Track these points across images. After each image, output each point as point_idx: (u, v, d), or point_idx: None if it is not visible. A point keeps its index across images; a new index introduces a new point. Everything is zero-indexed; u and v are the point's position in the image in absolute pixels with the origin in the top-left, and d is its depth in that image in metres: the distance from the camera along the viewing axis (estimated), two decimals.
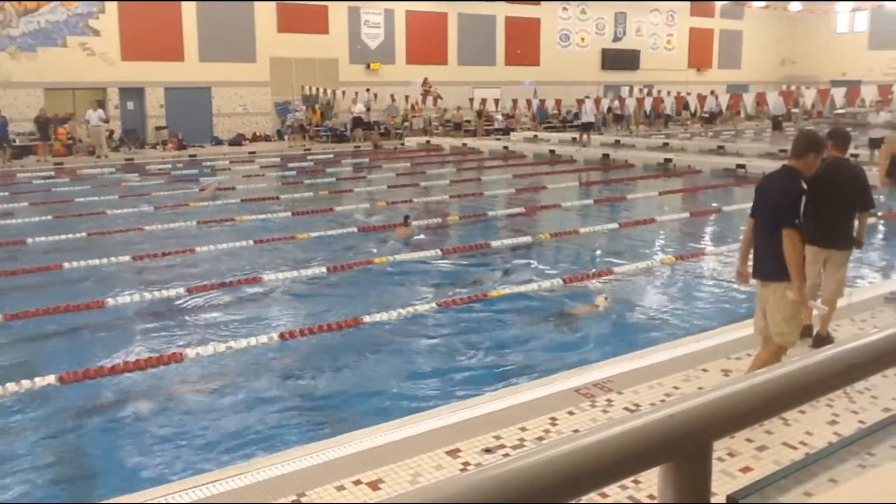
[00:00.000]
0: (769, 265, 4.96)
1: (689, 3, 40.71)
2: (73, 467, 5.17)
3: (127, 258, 10.36)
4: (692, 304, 8.55)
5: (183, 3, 26.87)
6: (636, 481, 3.98)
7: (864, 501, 1.83)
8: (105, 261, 10.12)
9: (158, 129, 27.02)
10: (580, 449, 1.16)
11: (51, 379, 6.06)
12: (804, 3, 39.49)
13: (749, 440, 4.45)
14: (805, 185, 4.84)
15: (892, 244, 11.64)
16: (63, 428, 5.62)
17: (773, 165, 18.96)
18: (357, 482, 4.14)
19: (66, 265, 9.88)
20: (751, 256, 5.29)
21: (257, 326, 7.75)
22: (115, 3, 25.58)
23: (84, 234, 12.06)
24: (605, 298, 8.28)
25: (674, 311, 8.19)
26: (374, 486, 4.11)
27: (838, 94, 21.31)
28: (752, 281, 5.29)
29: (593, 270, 9.64)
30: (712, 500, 1.34)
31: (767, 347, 5.11)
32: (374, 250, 11.02)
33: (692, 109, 32.15)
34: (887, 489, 1.95)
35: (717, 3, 40.64)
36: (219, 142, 27.92)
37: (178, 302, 8.61)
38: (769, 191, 5.06)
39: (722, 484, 3.95)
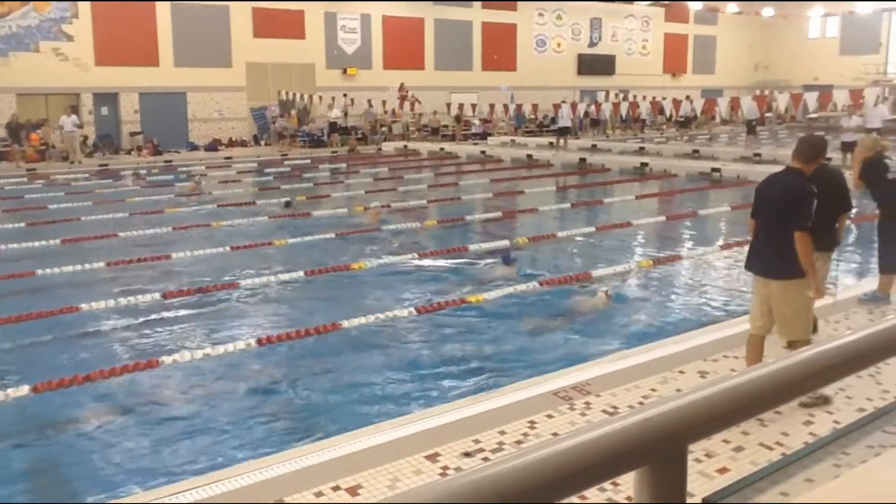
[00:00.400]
0: (777, 264, 5.11)
1: (663, 8, 41.06)
2: (46, 476, 5.10)
3: (101, 264, 10.24)
4: (668, 306, 8.60)
5: (158, 6, 26.69)
6: (614, 483, 3.99)
7: (839, 502, 1.85)
8: (79, 267, 10.00)
9: (133, 134, 26.79)
10: (556, 454, 1.16)
11: (25, 389, 5.97)
12: (776, 5, 39.95)
13: (726, 441, 4.48)
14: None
15: (865, 246, 11.78)
16: (37, 437, 5.54)
17: (748, 169, 19.27)
18: (336, 488, 4.12)
19: (39, 272, 9.75)
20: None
21: (235, 332, 7.69)
22: (89, 7, 25.34)
23: (58, 240, 11.91)
24: (608, 294, 8.36)
25: (650, 314, 8.23)
26: (352, 491, 4.09)
27: (811, 98, 21.54)
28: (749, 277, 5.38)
29: (570, 274, 9.66)
30: (689, 502, 1.34)
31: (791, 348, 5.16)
32: (352, 255, 10.99)
33: (667, 114, 32.41)
34: (862, 489, 1.97)
35: (691, 8, 40.98)
36: (194, 147, 27.74)
37: (153, 308, 8.52)
38: (775, 191, 5.17)
39: (699, 485, 3.98)
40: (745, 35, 44.61)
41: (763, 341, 5.39)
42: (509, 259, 9.95)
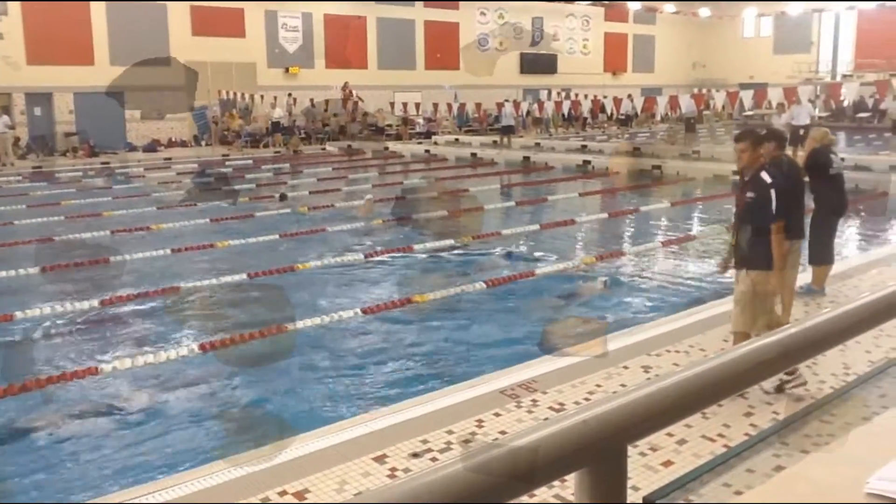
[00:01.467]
0: None
1: (603, 8, 41.60)
2: None
3: (36, 270, 9.95)
4: (611, 302, 8.70)
5: (92, 4, 26.00)
6: (562, 479, 4.01)
7: (781, 497, 1.89)
8: (13, 273, 9.69)
9: (68, 135, 26.07)
10: (492, 460, 1.15)
11: None
12: (713, 6, 40.80)
13: (670, 434, 4.55)
14: None
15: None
16: None
17: (687, 166, 19.59)
18: (283, 493, 4.07)
19: None
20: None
21: (176, 337, 7.56)
22: (19, 4, 24.55)
23: None
24: (606, 283, 9.01)
25: (595, 311, 8.32)
26: (299, 496, 4.05)
27: (747, 96, 22.11)
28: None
29: (516, 272, 9.72)
30: (632, 500, 1.35)
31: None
32: (296, 256, 10.88)
33: (609, 112, 32.84)
34: (801, 480, 2.02)
35: (630, 7, 41.59)
36: (133, 148, 27.12)
37: (92, 314, 8.30)
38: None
39: (644, 478, 4.03)
40: (682, 34, 45.47)
41: None
42: (511, 258, 10.13)
